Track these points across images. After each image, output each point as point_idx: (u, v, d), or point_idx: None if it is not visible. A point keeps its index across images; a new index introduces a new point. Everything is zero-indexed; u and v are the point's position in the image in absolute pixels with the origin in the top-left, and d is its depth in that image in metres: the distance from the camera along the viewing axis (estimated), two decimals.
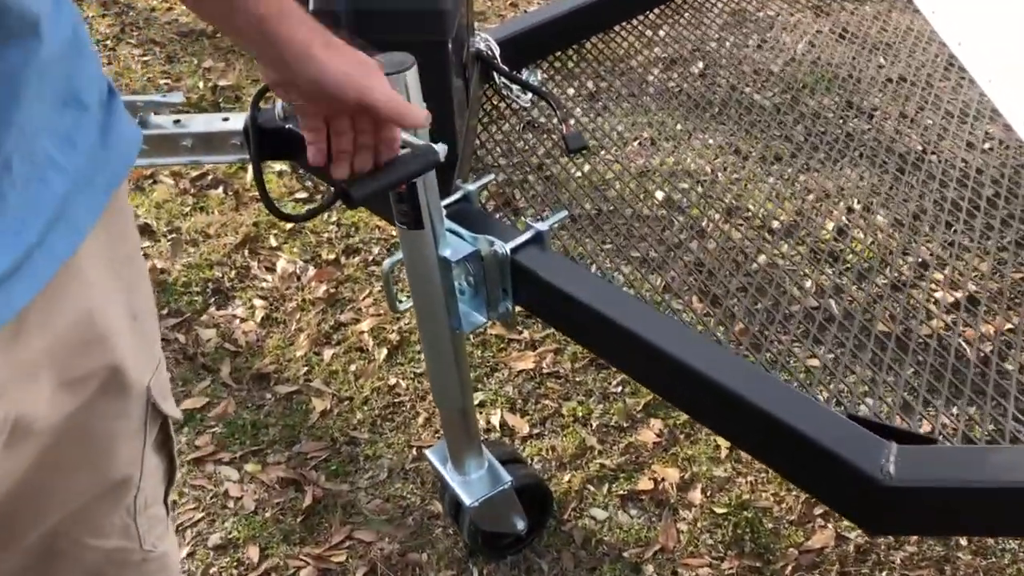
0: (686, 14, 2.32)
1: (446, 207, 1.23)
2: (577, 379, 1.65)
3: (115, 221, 0.64)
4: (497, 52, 1.63)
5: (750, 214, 1.77)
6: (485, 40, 1.64)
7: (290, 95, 0.79)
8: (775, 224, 1.75)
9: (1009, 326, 1.46)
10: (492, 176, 1.35)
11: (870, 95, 2.01)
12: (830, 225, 1.75)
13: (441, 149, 0.89)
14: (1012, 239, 1.58)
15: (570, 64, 2.13)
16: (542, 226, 1.18)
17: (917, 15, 2.19)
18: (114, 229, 0.64)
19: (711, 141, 1.98)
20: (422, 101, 1.04)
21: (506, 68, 1.66)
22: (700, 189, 1.86)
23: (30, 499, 0.66)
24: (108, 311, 0.64)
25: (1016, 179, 1.67)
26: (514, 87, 1.67)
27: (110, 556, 0.74)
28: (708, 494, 1.42)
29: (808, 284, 1.64)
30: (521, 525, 1.37)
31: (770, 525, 1.38)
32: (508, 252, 1.16)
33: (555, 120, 1.70)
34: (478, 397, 1.60)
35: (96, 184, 0.59)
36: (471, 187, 1.27)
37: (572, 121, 1.86)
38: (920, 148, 1.85)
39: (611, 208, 1.80)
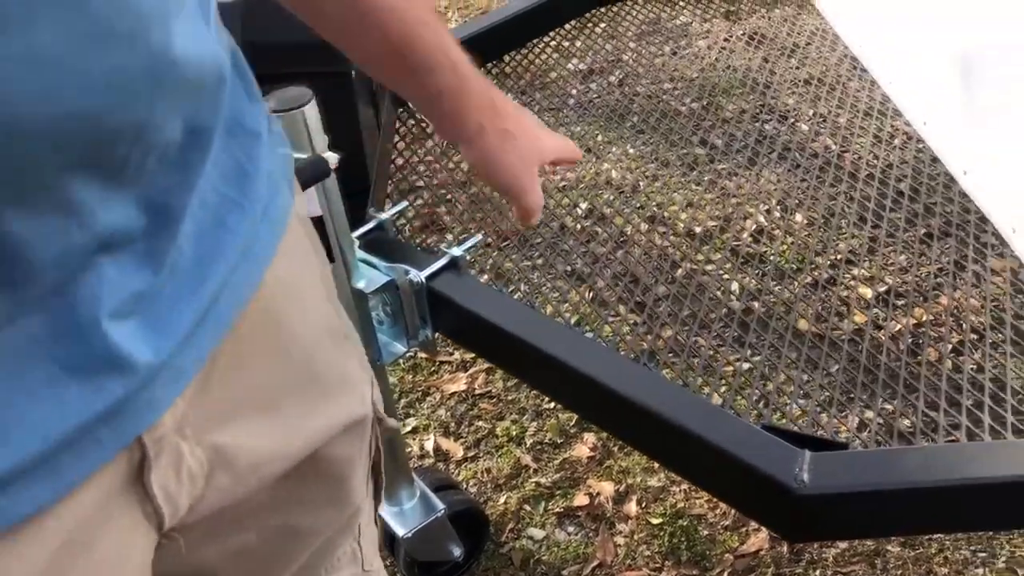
0: (601, 25, 2.34)
1: (359, 237, 1.21)
2: (510, 398, 1.65)
3: (300, 243, 0.62)
4: None
5: (672, 221, 1.79)
6: None
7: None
8: (698, 229, 1.77)
9: (928, 318, 1.50)
10: (406, 203, 1.34)
11: (784, 97, 2.05)
12: (750, 228, 1.77)
13: (332, 158, 0.90)
14: (927, 232, 1.62)
15: (490, 79, 2.14)
16: (457, 252, 1.18)
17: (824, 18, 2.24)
18: (300, 252, 0.62)
19: (632, 150, 2.00)
20: (323, 135, 1.02)
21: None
22: (623, 199, 1.87)
23: (282, 541, 0.64)
24: (312, 338, 0.62)
25: (927, 173, 1.72)
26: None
27: None
28: (643, 505, 1.42)
29: (733, 287, 1.66)
30: (458, 552, 1.36)
31: (705, 532, 1.39)
32: (424, 280, 1.15)
33: None
34: (411, 423, 1.59)
35: (273, 212, 0.56)
36: (384, 216, 1.25)
37: None
38: (834, 147, 1.89)
39: (539, 222, 1.80)
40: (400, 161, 1.85)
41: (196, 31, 0.48)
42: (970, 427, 1.15)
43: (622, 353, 1.47)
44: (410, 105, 1.76)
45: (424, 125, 1.79)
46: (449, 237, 1.75)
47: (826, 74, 2.09)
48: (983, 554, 1.33)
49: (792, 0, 2.37)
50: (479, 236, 1.25)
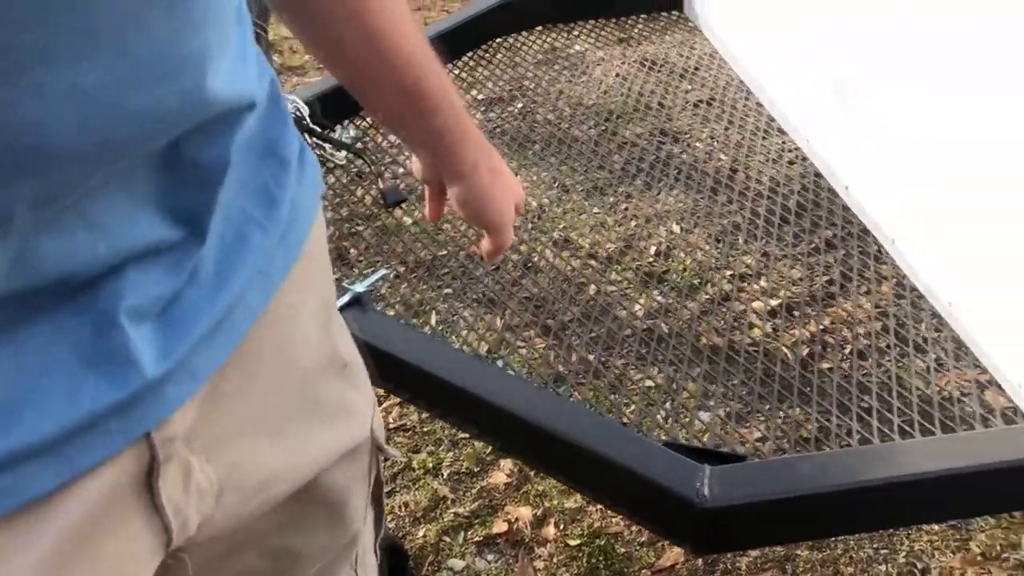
0: (500, 54, 2.38)
1: None
2: (426, 430, 1.66)
3: (310, 270, 0.63)
4: (306, 112, 1.62)
5: (579, 245, 1.82)
6: (293, 102, 1.63)
7: (434, 185, 0.83)
8: (602, 251, 1.81)
9: (820, 327, 1.56)
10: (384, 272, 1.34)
11: (680, 119, 2.12)
12: (653, 248, 1.82)
13: None
14: (816, 245, 1.69)
15: None
16: (360, 288, 1.18)
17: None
18: (309, 279, 0.63)
19: (535, 177, 2.03)
20: None
21: (318, 128, 1.65)
22: (530, 225, 1.90)
23: (282, 565, 0.65)
24: (313, 364, 0.63)
25: (813, 188, 1.80)
26: (327, 146, 1.67)
27: None
28: (561, 528, 1.44)
29: (637, 306, 1.70)
30: None
31: (623, 550, 1.42)
32: None
33: (372, 177, 1.71)
34: None
35: (291, 238, 0.59)
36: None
37: (389, 174, 1.87)
38: (729, 166, 1.96)
39: (446, 252, 1.82)
40: None
41: (234, 70, 0.50)
42: (860, 431, 1.21)
43: (532, 378, 1.49)
44: (308, 142, 1.75)
45: (325, 160, 1.79)
46: (356, 271, 1.75)
47: (717, 96, 2.17)
48: (885, 551, 1.40)
49: (682, 26, 2.45)
50: (382, 271, 1.26)
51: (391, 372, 1.14)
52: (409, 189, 1.84)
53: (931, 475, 0.96)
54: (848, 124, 1.66)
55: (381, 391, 1.69)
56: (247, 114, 0.53)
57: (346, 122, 1.87)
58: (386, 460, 0.77)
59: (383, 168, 1.87)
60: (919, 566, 1.37)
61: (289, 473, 0.61)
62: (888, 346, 1.42)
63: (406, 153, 2.04)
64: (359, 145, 1.80)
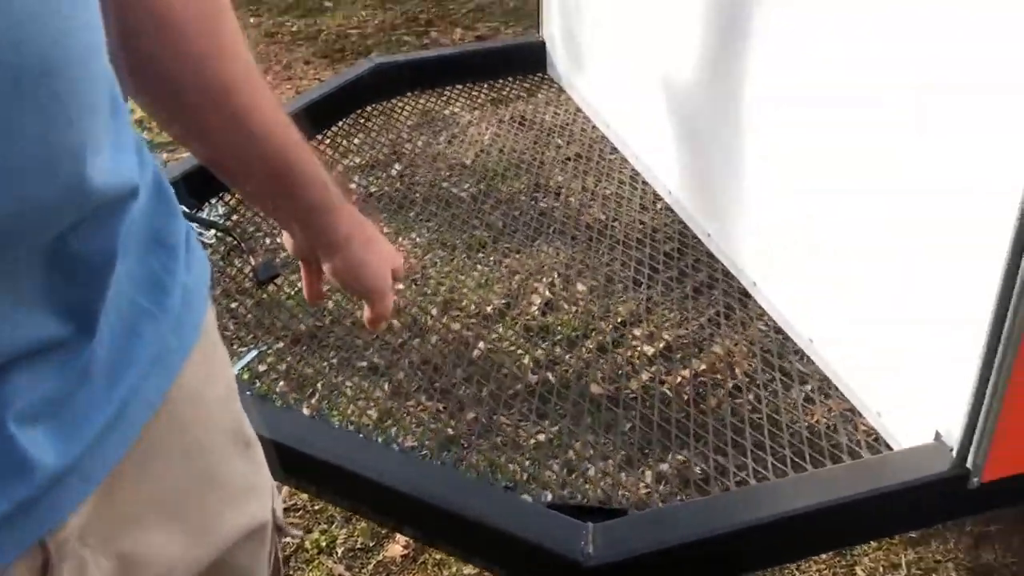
0: (376, 119, 2.40)
1: None
2: (316, 507, 1.62)
3: (208, 353, 0.62)
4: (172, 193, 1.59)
5: (464, 304, 1.83)
6: None
7: (309, 260, 0.82)
8: (488, 309, 1.82)
9: (704, 367, 1.61)
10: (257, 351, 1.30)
11: (554, 175, 2.17)
12: (537, 302, 1.85)
13: None
14: (694, 287, 1.75)
15: None
16: (233, 370, 1.15)
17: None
18: (208, 362, 0.62)
19: (418, 239, 2.04)
20: None
21: (184, 208, 1.62)
22: (413, 287, 1.90)
23: None
24: (215, 449, 0.63)
25: (685, 234, 1.86)
26: (194, 226, 1.64)
27: None
28: None
29: (526, 361, 1.71)
30: None
31: None
32: None
33: (243, 254, 1.68)
34: None
35: (185, 323, 0.58)
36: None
37: (263, 247, 1.84)
38: (604, 217, 2.02)
39: (331, 320, 1.80)
40: None
41: (113, 159, 0.50)
42: (738, 472, 1.25)
43: (422, 444, 1.48)
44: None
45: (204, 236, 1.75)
46: (234, 347, 1.70)
47: (586, 151, 2.23)
48: None
49: (549, 85, 2.53)
50: (255, 350, 1.23)
51: (269, 456, 1.11)
52: (283, 263, 1.82)
53: (803, 512, 0.99)
54: (704, 173, 1.74)
55: None
56: (130, 203, 0.53)
57: (214, 200, 1.84)
58: (284, 540, 0.76)
59: (255, 244, 1.84)
60: None
61: (190, 556, 0.60)
62: (762, 384, 1.48)
63: (277, 227, 2.01)
64: (228, 222, 1.77)
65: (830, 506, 0.99)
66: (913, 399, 1.14)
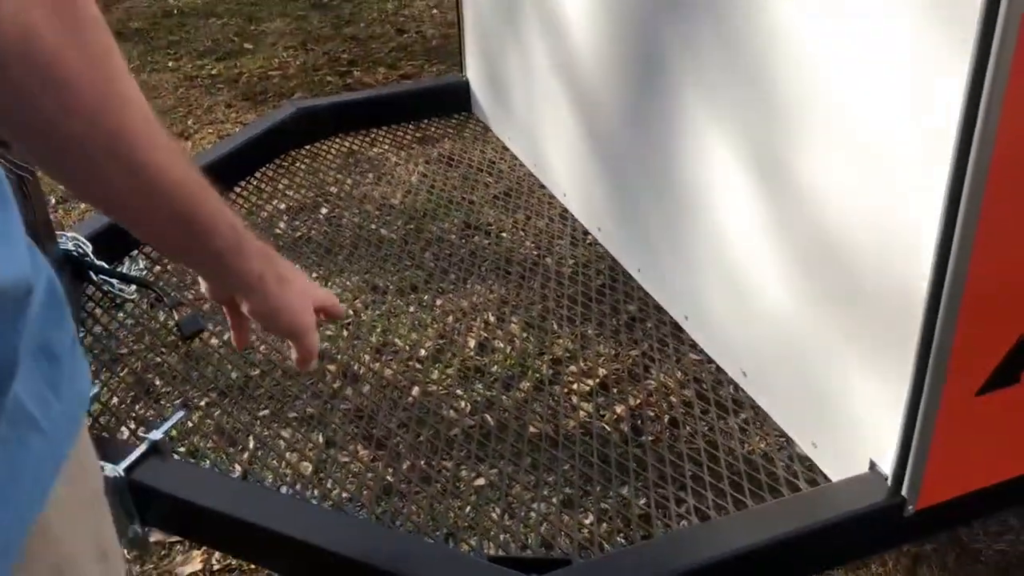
0: (302, 163, 2.36)
1: None
2: (254, 567, 1.56)
3: (79, 462, 0.61)
4: (89, 249, 1.54)
5: (398, 347, 1.80)
6: (74, 239, 1.54)
7: (229, 304, 0.81)
8: (422, 352, 1.79)
9: (645, 398, 1.61)
10: (97, 388, 1.25)
11: (484, 212, 2.17)
12: (472, 342, 1.83)
13: None
14: (628, 319, 1.76)
15: None
16: (156, 435, 1.10)
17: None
18: (79, 470, 0.61)
19: (348, 283, 2.00)
20: None
21: (103, 264, 1.56)
22: (346, 333, 1.86)
23: None
24: (78, 561, 0.60)
25: (617, 268, 1.87)
26: (114, 282, 1.58)
27: None
28: None
29: (462, 405, 1.69)
30: None
31: None
32: (122, 473, 1.06)
33: (165, 309, 1.63)
34: None
35: (62, 437, 0.57)
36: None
37: (187, 297, 1.79)
38: (538, 252, 2.01)
39: (260, 371, 1.75)
40: (98, 329, 1.73)
41: (4, 254, 0.48)
42: (695, 502, 1.24)
43: (360, 495, 1.44)
44: (93, 279, 1.66)
45: (115, 296, 1.69)
46: (162, 404, 1.64)
47: (515, 187, 2.23)
48: None
49: (475, 124, 2.53)
50: (180, 412, 1.19)
51: (196, 523, 1.06)
52: (207, 317, 1.76)
53: (743, 551, 0.98)
54: (630, 211, 1.75)
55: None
56: (26, 307, 0.51)
57: (135, 252, 1.78)
58: None
59: (178, 297, 1.79)
60: None
61: None
62: (698, 416, 1.48)
63: (195, 281, 1.95)
64: (150, 276, 1.71)
65: (769, 543, 0.99)
66: (846, 429, 1.15)
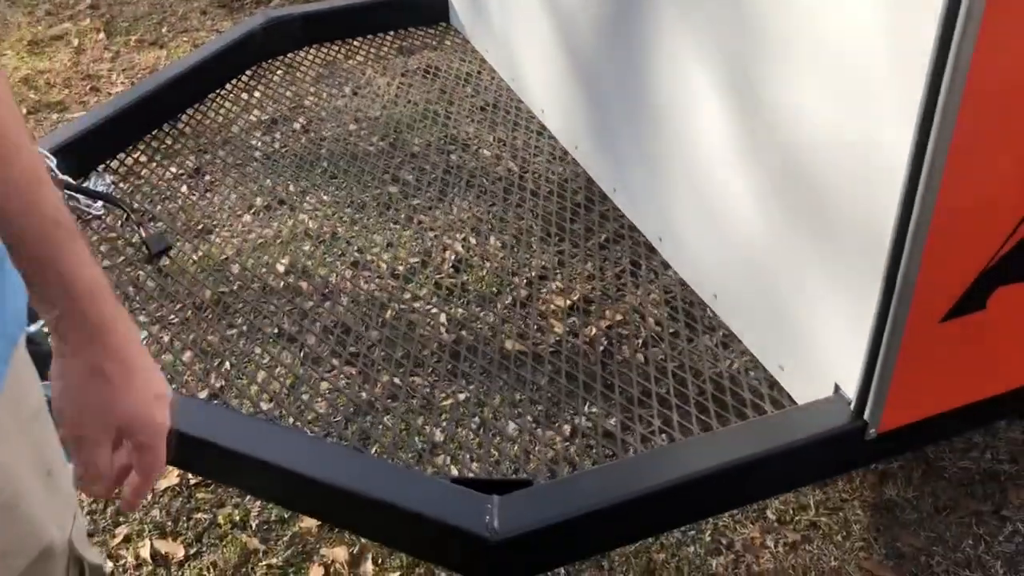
0: (277, 73, 2.30)
1: None
2: None
3: (16, 381, 0.61)
4: (54, 163, 1.50)
5: (375, 263, 1.79)
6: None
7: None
8: (400, 268, 1.78)
9: (619, 317, 1.61)
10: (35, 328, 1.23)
11: (464, 126, 2.12)
12: (450, 258, 1.81)
13: None
14: (605, 239, 1.74)
15: (168, 143, 2.03)
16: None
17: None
18: (16, 389, 0.61)
19: (326, 197, 1.97)
20: None
21: (68, 179, 1.53)
22: (323, 248, 1.85)
23: None
24: (21, 480, 0.61)
25: (591, 188, 1.85)
26: (80, 198, 1.55)
27: None
28: (380, 562, 1.41)
29: (441, 320, 1.69)
30: None
31: (444, 574, 1.41)
32: None
33: (132, 226, 1.60)
34: (122, 532, 1.47)
35: (2, 350, 0.56)
36: (33, 329, 1.14)
37: (150, 221, 1.76)
38: (517, 168, 1.98)
39: (235, 288, 1.74)
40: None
41: None
42: (665, 417, 1.25)
43: (336, 411, 1.45)
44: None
45: (81, 213, 1.66)
46: (140, 317, 1.64)
47: (498, 101, 2.18)
48: (692, 532, 1.46)
49: (454, 35, 2.46)
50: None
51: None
52: (176, 234, 1.74)
53: (705, 473, 1.00)
54: (606, 131, 1.71)
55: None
56: None
57: (100, 167, 1.75)
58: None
59: (144, 215, 1.76)
60: (724, 541, 1.43)
61: None
62: (668, 337, 1.48)
63: (167, 195, 1.92)
64: (116, 192, 1.68)
65: (731, 466, 1.00)
66: (812, 354, 1.15)
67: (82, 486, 0.65)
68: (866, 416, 1.06)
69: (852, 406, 1.07)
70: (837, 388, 1.11)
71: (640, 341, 1.52)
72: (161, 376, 0.66)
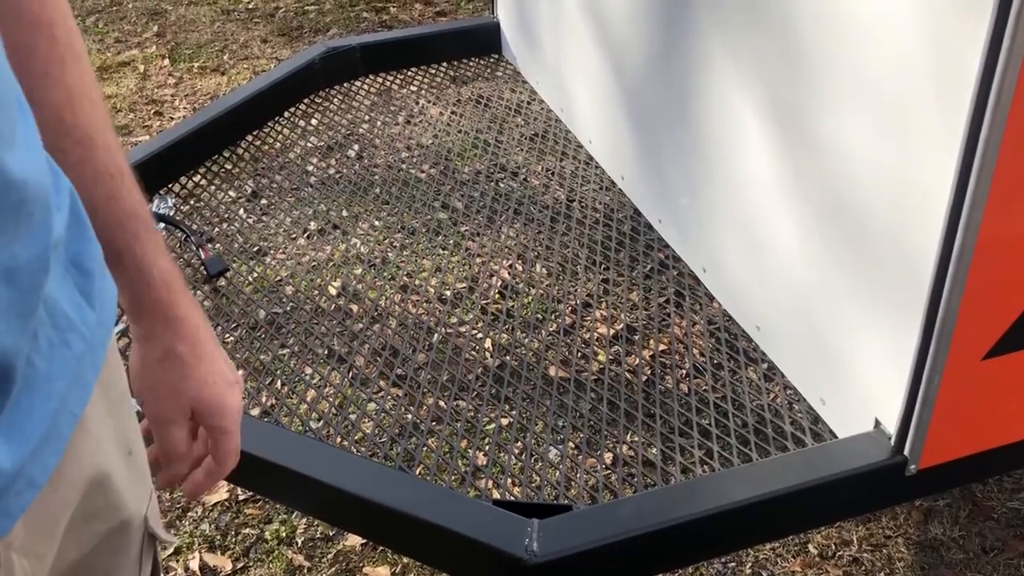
0: (335, 101, 2.37)
1: None
2: None
3: (107, 366, 0.64)
4: None
5: (424, 287, 1.83)
6: None
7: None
8: (448, 293, 1.82)
9: (662, 347, 1.62)
10: (123, 326, 1.29)
11: (514, 154, 2.16)
12: (497, 284, 1.85)
13: None
14: (650, 268, 1.76)
15: (227, 167, 2.11)
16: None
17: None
18: (107, 374, 0.64)
19: (378, 222, 2.03)
20: None
21: None
22: (373, 272, 1.89)
23: None
24: (109, 455, 0.65)
25: (637, 218, 1.87)
26: None
27: None
28: None
29: (486, 345, 1.72)
30: None
31: None
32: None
33: (192, 247, 1.66)
34: (172, 545, 1.52)
35: (97, 341, 0.60)
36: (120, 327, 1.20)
37: (210, 243, 1.83)
38: (565, 197, 2.01)
39: (288, 309, 1.79)
40: None
41: (26, 156, 0.51)
42: (706, 448, 1.26)
43: (382, 432, 1.49)
44: None
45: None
46: None
47: (548, 130, 2.22)
48: (732, 564, 1.46)
49: (507, 65, 2.51)
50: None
51: None
52: (232, 255, 1.81)
53: (745, 504, 1.01)
54: (652, 162, 1.74)
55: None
56: (53, 214, 0.54)
57: (163, 191, 1.82)
58: (164, 547, 0.77)
59: (203, 237, 1.83)
60: (764, 574, 1.43)
61: (69, 557, 0.63)
62: (712, 368, 1.49)
63: (226, 217, 2.00)
64: (177, 215, 1.75)
65: (768, 498, 1.01)
66: (853, 388, 1.15)
67: (159, 470, 0.72)
68: (906, 452, 1.06)
69: (892, 441, 1.07)
70: (877, 423, 1.11)
71: (683, 372, 1.54)
72: (232, 365, 0.73)
